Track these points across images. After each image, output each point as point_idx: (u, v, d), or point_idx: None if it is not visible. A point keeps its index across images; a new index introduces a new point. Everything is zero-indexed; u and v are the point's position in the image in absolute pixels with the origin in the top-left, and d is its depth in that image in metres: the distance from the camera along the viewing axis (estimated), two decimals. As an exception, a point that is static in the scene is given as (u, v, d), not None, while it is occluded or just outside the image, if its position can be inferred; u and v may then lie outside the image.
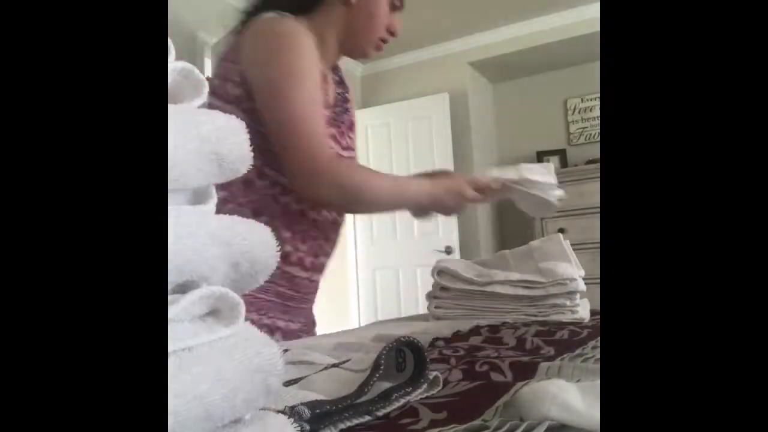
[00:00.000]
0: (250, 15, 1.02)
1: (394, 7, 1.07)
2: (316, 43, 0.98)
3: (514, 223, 4.02)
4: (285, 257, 0.99)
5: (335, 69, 1.14)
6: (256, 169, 0.94)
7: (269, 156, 0.94)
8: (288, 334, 1.01)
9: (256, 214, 0.96)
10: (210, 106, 0.97)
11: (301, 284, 1.03)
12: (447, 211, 1.07)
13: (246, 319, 0.27)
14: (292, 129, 0.91)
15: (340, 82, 1.15)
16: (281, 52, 0.94)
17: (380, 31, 1.07)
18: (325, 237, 1.06)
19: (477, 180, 1.08)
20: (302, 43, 0.95)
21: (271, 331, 0.98)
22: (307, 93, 0.93)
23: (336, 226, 1.09)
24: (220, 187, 0.29)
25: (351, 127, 1.14)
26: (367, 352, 0.61)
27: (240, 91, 0.96)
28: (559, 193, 1.12)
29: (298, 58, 0.94)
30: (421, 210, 1.09)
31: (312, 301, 1.10)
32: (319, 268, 1.07)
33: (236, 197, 0.96)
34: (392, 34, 1.08)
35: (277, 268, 0.31)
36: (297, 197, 0.98)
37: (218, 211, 0.29)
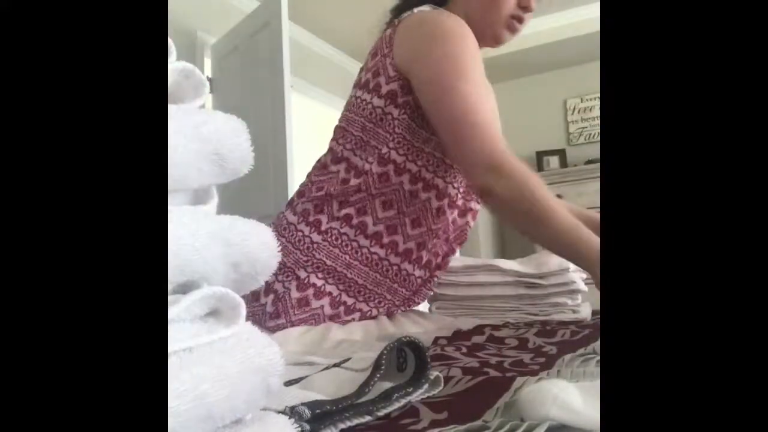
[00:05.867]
0: (400, 11, 1.00)
1: None
2: None
3: (514, 223, 4.01)
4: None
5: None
6: (394, 164, 0.93)
7: (414, 151, 0.93)
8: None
9: (384, 207, 0.94)
10: (358, 99, 0.97)
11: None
12: None
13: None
14: (468, 122, 0.87)
15: None
16: (446, 44, 0.91)
17: (509, 7, 0.99)
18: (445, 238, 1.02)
19: None
20: (466, 35, 0.92)
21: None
22: (477, 85, 0.90)
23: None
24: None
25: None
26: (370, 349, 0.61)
27: (395, 86, 0.93)
28: None
29: (464, 49, 0.91)
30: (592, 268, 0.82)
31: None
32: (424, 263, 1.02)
33: (369, 188, 0.94)
34: (525, 8, 0.99)
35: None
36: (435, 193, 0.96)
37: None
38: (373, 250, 0.95)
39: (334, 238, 0.93)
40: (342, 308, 0.94)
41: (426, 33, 0.93)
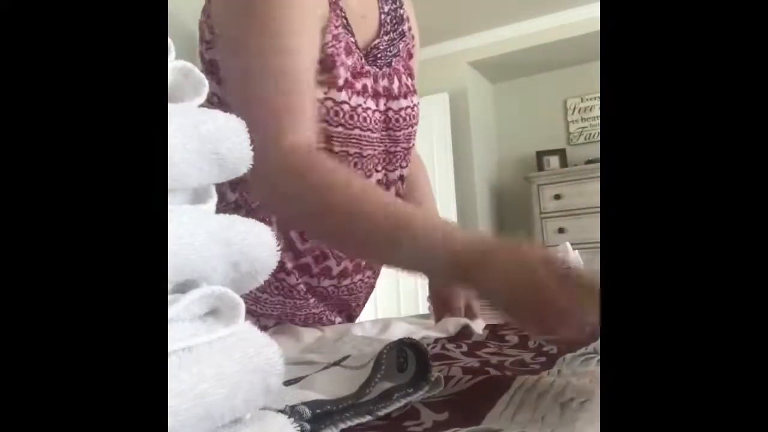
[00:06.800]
0: None
1: None
2: None
3: (514, 223, 4.02)
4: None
5: None
6: None
7: None
8: None
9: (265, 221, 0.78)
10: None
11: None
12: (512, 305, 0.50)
13: None
14: (251, 102, 0.64)
15: None
16: None
17: None
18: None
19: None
20: None
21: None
22: (282, 48, 0.65)
23: None
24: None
25: (409, 58, 0.84)
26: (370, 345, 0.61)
27: (209, 57, 0.74)
28: None
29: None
30: (446, 275, 0.57)
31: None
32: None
33: (246, 202, 0.78)
34: None
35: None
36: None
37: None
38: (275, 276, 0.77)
39: None
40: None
41: None
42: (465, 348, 0.68)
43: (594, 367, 0.54)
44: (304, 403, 0.35)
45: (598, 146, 3.74)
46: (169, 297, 0.24)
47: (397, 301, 3.78)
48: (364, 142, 0.78)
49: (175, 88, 0.28)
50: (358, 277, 0.88)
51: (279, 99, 0.64)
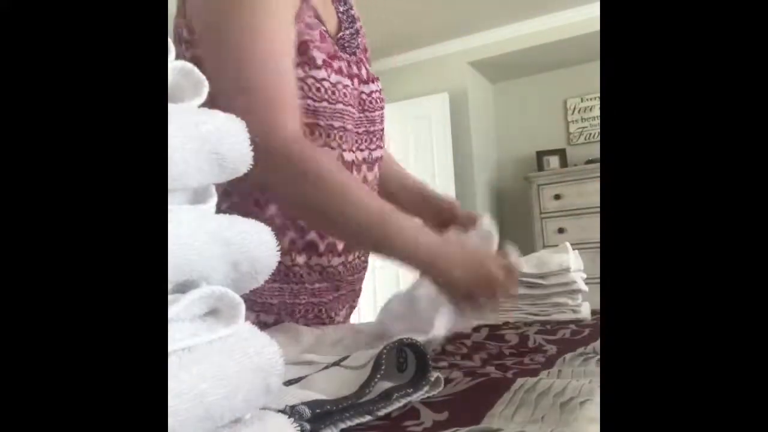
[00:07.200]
0: None
1: None
2: None
3: (514, 223, 4.02)
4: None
5: None
6: None
7: None
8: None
9: (259, 205, 0.79)
10: None
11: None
12: (463, 291, 0.69)
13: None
14: (242, 89, 0.67)
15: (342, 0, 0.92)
16: None
17: None
18: None
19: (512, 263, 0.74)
20: None
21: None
22: (265, 35, 0.68)
23: None
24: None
25: (365, 51, 0.93)
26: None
27: (190, 55, 0.75)
28: None
29: None
30: (421, 265, 0.70)
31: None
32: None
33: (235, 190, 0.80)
34: None
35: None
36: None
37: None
38: (315, 261, 0.81)
39: None
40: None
41: None
42: (465, 349, 0.68)
43: (594, 367, 0.54)
44: (304, 403, 0.35)
45: (598, 146, 3.74)
46: (169, 297, 0.24)
47: (397, 301, 3.77)
48: (347, 117, 0.83)
49: (175, 88, 0.28)
50: (357, 254, 0.91)
51: (271, 87, 0.69)
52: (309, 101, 0.77)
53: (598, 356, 0.59)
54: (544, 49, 3.77)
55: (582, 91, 4.00)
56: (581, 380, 0.45)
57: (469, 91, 3.92)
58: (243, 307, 0.27)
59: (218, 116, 0.28)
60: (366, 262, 0.96)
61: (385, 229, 0.68)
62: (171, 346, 0.23)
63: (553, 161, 3.80)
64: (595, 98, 3.95)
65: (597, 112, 3.95)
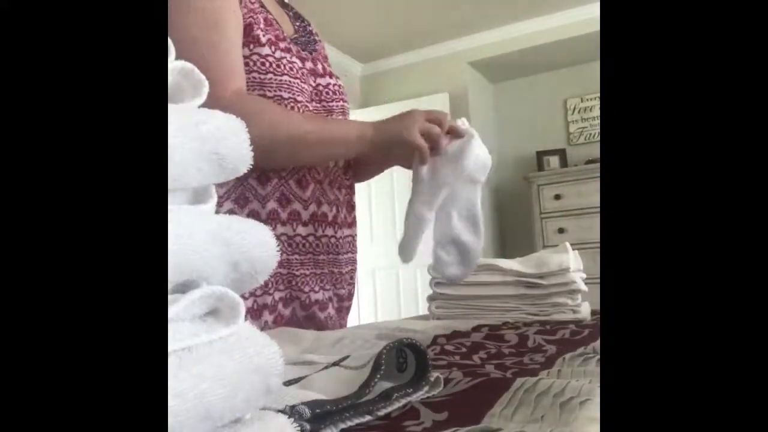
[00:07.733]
0: None
1: None
2: None
3: (514, 223, 4.02)
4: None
5: (283, 4, 1.04)
6: None
7: None
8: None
9: (261, 181, 0.87)
10: None
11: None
12: (395, 139, 0.85)
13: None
14: (192, 50, 0.77)
15: (297, 17, 1.04)
16: None
17: None
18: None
19: (437, 115, 0.89)
20: None
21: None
22: (198, 13, 0.79)
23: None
24: None
25: (326, 58, 1.03)
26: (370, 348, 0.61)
27: None
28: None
29: None
30: (370, 146, 0.86)
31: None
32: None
33: None
34: None
35: None
36: None
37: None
38: (279, 231, 0.88)
39: None
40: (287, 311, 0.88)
41: None
42: (464, 349, 0.68)
43: (594, 367, 0.54)
44: (304, 403, 0.35)
45: (598, 146, 3.74)
46: (169, 297, 0.24)
47: (398, 301, 3.78)
48: (295, 89, 0.90)
49: (175, 88, 0.28)
50: (347, 231, 0.99)
51: (216, 54, 0.80)
52: (254, 74, 0.86)
53: (598, 356, 0.59)
54: (544, 49, 3.77)
55: (582, 91, 4.00)
56: (581, 380, 0.45)
57: (469, 91, 3.92)
58: (243, 307, 0.27)
59: (218, 116, 0.28)
60: (351, 248, 1.01)
61: (329, 125, 0.86)
62: (171, 346, 0.23)
63: (553, 161, 3.80)
64: (595, 98, 3.95)
65: (597, 112, 3.95)
